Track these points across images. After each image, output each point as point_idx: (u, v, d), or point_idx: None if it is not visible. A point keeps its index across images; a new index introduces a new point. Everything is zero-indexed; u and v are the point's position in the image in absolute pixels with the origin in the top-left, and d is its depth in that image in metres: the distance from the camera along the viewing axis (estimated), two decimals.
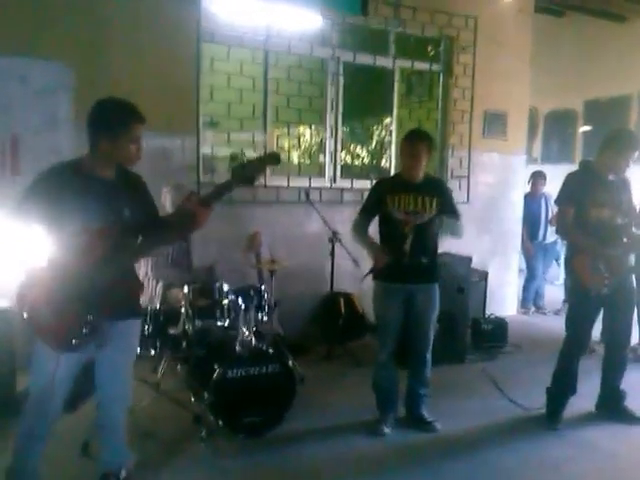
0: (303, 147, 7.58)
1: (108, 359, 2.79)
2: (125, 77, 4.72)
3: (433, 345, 3.91)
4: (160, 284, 4.34)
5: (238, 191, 5.05)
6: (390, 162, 6.58)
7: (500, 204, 6.98)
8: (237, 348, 3.71)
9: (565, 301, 6.81)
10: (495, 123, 6.81)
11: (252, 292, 4.35)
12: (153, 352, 3.97)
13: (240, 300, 4.13)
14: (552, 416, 4.04)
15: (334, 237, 5.21)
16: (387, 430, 3.83)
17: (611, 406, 4.14)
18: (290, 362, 4.43)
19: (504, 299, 7.06)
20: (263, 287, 4.52)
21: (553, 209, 6.77)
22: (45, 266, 2.63)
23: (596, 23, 8.22)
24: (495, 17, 6.64)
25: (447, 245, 4.31)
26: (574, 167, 4.22)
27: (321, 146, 6.76)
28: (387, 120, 7.19)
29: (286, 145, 7.34)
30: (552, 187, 5.12)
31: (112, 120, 2.61)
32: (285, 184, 5.71)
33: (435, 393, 4.09)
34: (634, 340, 4.86)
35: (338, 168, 6.21)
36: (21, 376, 3.72)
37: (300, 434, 3.79)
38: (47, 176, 2.60)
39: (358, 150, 9.65)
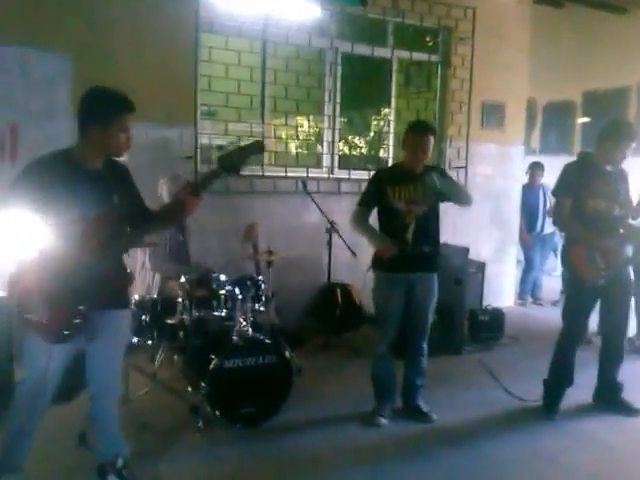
0: (301, 137, 7.54)
1: (99, 351, 2.77)
2: (124, 68, 4.70)
3: (430, 336, 3.92)
4: (158, 276, 4.34)
5: (235, 182, 5.16)
6: (388, 152, 6.56)
7: (498, 195, 6.97)
8: (234, 338, 3.71)
9: (563, 292, 6.81)
10: (493, 114, 6.79)
11: (249, 283, 4.34)
12: (150, 342, 3.98)
13: (237, 291, 4.13)
14: (549, 407, 4.05)
15: (332, 228, 5.20)
16: (384, 421, 3.84)
17: (608, 397, 4.15)
18: (287, 353, 4.43)
19: (501, 290, 7.06)
20: (260, 278, 4.52)
21: (551, 200, 6.74)
22: (37, 255, 2.58)
23: (595, 15, 8.18)
24: (494, 8, 6.61)
25: (444, 236, 4.30)
26: (572, 158, 4.20)
27: (319, 136, 6.75)
28: (385, 111, 7.16)
29: (284, 135, 7.31)
30: (550, 178, 5.10)
31: (103, 109, 2.58)
32: (283, 174, 5.70)
33: (432, 384, 4.10)
34: (631, 332, 4.88)
35: (336, 158, 6.20)
36: (19, 366, 3.71)
37: (297, 424, 3.80)
38: (37, 165, 2.56)
39: (356, 140, 9.61)
